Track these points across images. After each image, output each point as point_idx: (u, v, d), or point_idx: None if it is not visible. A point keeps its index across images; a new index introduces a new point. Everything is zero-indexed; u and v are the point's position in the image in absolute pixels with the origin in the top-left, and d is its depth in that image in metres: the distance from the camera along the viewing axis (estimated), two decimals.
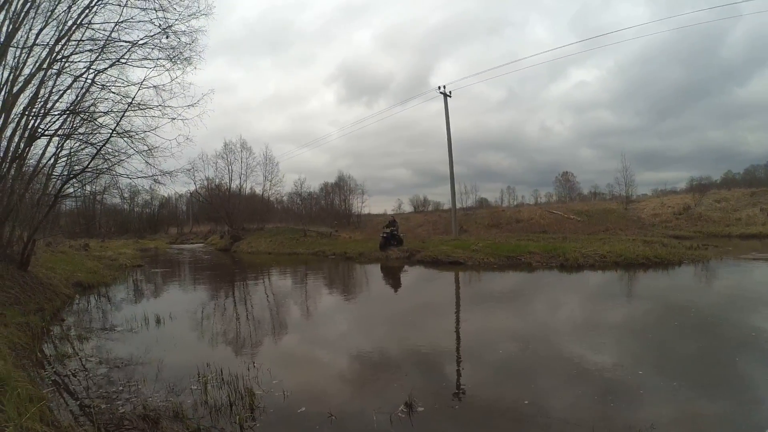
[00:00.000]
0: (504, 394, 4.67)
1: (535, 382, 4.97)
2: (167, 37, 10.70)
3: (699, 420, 3.96)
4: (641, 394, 4.44)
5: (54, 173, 12.40)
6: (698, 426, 3.88)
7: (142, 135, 11.15)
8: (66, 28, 10.17)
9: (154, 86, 10.94)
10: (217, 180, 43.61)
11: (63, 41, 10.16)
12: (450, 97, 26.77)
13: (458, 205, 30.97)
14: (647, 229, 29.38)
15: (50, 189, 12.54)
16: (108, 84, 10.95)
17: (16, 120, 10.29)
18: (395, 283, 14.63)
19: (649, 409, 4.09)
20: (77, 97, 10.94)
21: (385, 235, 22.71)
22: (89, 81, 10.67)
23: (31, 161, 11.84)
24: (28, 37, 10.18)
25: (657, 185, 51.35)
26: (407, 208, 56.69)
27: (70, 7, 10.15)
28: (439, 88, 26.69)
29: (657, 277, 12.54)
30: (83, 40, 10.48)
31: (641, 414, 4.00)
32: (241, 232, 40.28)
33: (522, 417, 4.10)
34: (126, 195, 55.82)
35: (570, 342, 6.56)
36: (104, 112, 11.23)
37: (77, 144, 12.03)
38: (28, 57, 10.18)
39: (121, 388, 5.09)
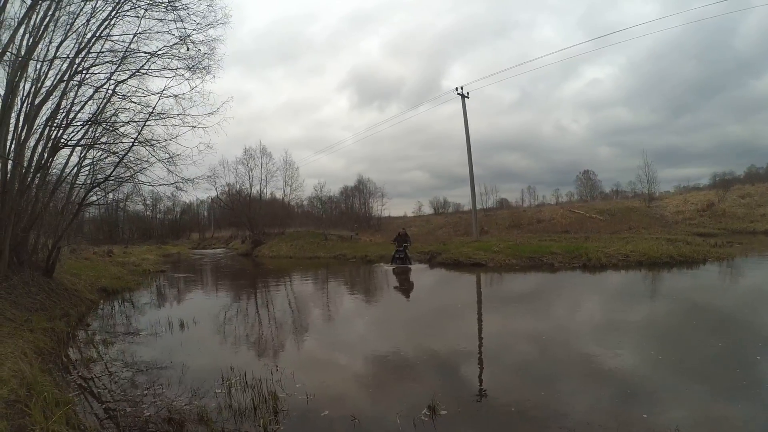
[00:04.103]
0: (527, 397, 4.57)
1: (557, 384, 4.87)
2: (186, 48, 10.79)
3: (723, 422, 3.86)
4: (664, 397, 4.35)
5: (77, 182, 12.61)
6: (722, 429, 3.79)
7: (164, 143, 11.27)
8: (85, 40, 10.28)
9: (174, 95, 11.07)
10: (237, 185, 43.94)
11: (83, 53, 10.27)
12: (468, 98, 26.72)
13: (478, 206, 30.82)
14: (671, 227, 28.92)
15: (74, 197, 12.76)
16: (129, 94, 11.08)
17: (39, 131, 10.45)
18: (416, 286, 14.51)
19: (673, 412, 3.99)
20: (99, 107, 11.08)
21: (400, 255, 19.48)
22: (110, 91, 10.77)
23: (54, 171, 12.01)
24: (48, 50, 10.31)
25: (679, 182, 50.54)
26: (427, 210, 56.93)
27: (88, 20, 10.26)
28: (457, 89, 26.75)
29: (681, 276, 12.26)
30: (103, 52, 10.60)
31: (664, 417, 3.91)
32: (263, 236, 40.47)
33: (545, 420, 4.03)
34: (148, 202, 57.04)
35: (592, 344, 6.42)
36: (126, 122, 11.39)
37: (100, 153, 12.25)
38: (49, 69, 10.29)
39: (145, 391, 5.13)
